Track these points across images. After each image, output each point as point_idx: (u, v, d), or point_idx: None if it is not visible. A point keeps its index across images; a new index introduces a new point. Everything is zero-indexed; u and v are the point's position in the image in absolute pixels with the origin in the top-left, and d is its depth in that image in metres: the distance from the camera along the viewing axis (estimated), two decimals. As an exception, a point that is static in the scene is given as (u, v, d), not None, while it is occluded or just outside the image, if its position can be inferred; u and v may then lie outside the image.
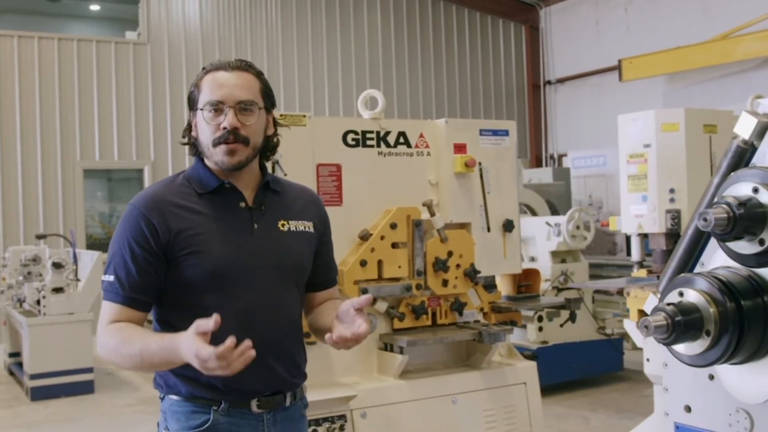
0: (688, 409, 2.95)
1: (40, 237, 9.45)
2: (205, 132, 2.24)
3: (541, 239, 7.61)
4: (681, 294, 2.62)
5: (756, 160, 2.66)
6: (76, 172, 11.34)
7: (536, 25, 15.12)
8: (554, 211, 9.08)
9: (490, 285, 4.20)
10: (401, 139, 3.98)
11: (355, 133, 3.88)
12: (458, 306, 3.97)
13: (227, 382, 2.12)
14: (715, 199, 2.50)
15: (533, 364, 4.14)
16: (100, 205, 12.50)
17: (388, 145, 3.95)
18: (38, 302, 8.04)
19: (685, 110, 4.66)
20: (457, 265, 3.94)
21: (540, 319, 7.25)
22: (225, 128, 2.19)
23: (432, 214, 3.89)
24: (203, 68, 2.32)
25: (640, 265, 5.06)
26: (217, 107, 2.21)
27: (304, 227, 2.38)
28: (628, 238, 6.09)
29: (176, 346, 2.01)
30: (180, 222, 2.21)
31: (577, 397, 7.32)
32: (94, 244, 11.29)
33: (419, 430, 3.79)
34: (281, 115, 3.69)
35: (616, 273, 9.09)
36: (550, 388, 7.36)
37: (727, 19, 11.57)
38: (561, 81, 14.84)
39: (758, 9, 11.11)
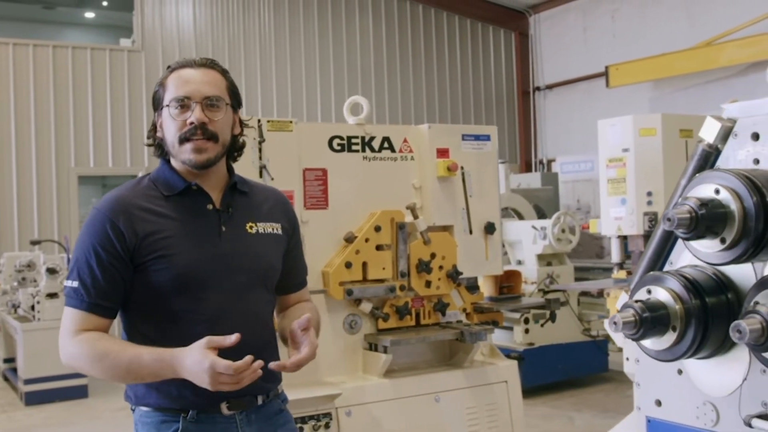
0: (658, 403, 3.08)
1: (34, 243, 9.56)
2: (171, 129, 2.18)
3: (527, 243, 7.74)
4: (649, 291, 2.76)
5: (720, 162, 2.80)
6: (71, 178, 11.42)
7: (526, 32, 15.26)
8: (542, 216, 9.21)
9: (472, 286, 4.32)
10: (386, 144, 4.11)
11: (341, 138, 4.00)
12: (441, 306, 4.10)
13: (196, 390, 2.05)
14: (680, 200, 2.65)
15: (514, 363, 4.27)
16: (95, 211, 12.57)
17: (372, 150, 4.08)
18: (33, 308, 8.14)
19: (662, 115, 4.80)
20: (440, 267, 4.06)
21: (526, 321, 7.38)
22: (192, 123, 2.14)
23: (415, 217, 4.01)
24: (168, 67, 2.29)
25: (620, 266, 5.19)
26: (184, 103, 2.16)
27: (273, 229, 2.33)
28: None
29: (175, 360, 1.99)
30: (146, 225, 2.14)
31: (563, 397, 7.45)
32: (87, 250, 11.36)
33: (403, 428, 3.90)
34: (269, 121, 3.82)
35: (602, 276, 9.21)
36: (536, 389, 7.50)
37: (712, 27, 11.73)
38: (550, 87, 14.98)
39: (741, 16, 11.26)
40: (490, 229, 4.27)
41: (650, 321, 2.68)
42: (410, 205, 4.01)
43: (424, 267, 4.01)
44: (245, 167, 3.73)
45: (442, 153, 4.16)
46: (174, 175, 2.23)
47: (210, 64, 2.26)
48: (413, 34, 14.31)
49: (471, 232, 4.23)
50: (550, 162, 14.70)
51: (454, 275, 4.08)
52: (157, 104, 2.26)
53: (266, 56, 12.83)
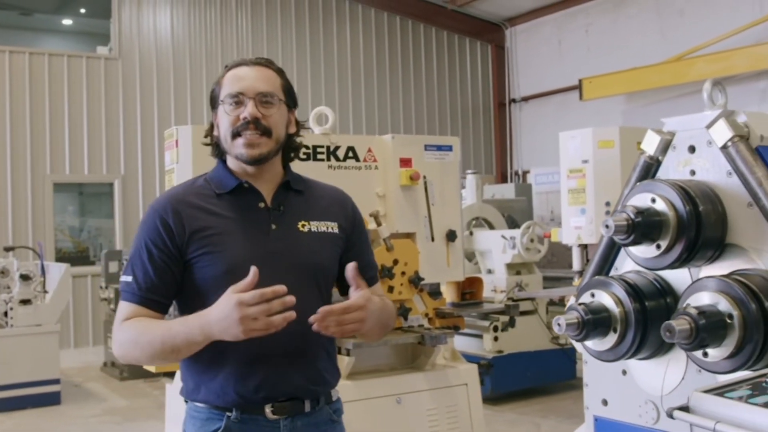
0: (605, 402, 3.22)
1: (8, 249, 9.55)
2: (225, 124, 2.20)
3: (497, 252, 7.87)
4: (593, 295, 2.90)
5: (660, 173, 2.95)
6: (46, 185, 11.45)
7: (502, 44, 15.45)
8: (515, 226, 9.34)
9: (435, 292, 4.44)
10: (350, 154, 4.23)
11: (307, 147, 4.09)
12: (403, 311, 4.21)
13: (239, 389, 2.12)
14: (619, 209, 2.79)
15: (474, 367, 4.38)
16: (71, 219, 12.57)
17: (337, 159, 4.19)
18: (6, 314, 8.14)
19: (620, 128, 4.94)
20: (402, 273, 4.18)
21: (495, 329, 7.49)
22: (245, 118, 2.16)
23: (379, 224, 4.12)
24: (225, 66, 2.31)
25: (580, 274, 5.32)
26: (238, 99, 2.18)
27: (327, 228, 2.30)
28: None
29: (201, 318, 1.99)
30: (196, 222, 2.17)
31: (531, 404, 7.57)
32: (63, 257, 11.36)
33: (366, 429, 3.99)
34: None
35: (570, 285, 9.36)
36: (504, 395, 7.62)
37: (683, 42, 11.95)
38: (525, 99, 15.17)
39: (711, 32, 11.50)
40: (451, 236, 4.40)
41: (592, 323, 2.82)
42: (374, 212, 4.12)
43: (386, 273, 4.11)
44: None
45: (405, 162, 4.28)
46: (227, 174, 2.26)
47: (265, 63, 2.28)
48: (391, 46, 14.47)
49: (433, 239, 4.35)
50: (525, 173, 14.87)
51: (416, 281, 4.19)
52: (213, 103, 2.28)
53: (244, 66, 12.93)
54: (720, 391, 1.97)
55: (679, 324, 2.41)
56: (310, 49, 13.60)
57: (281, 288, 1.91)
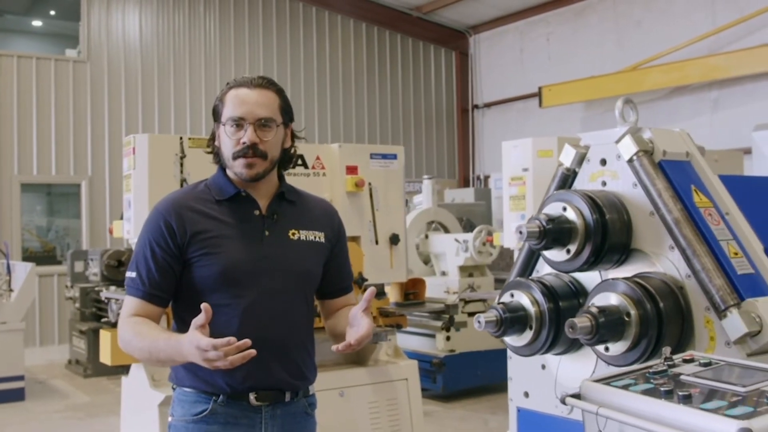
0: (526, 394, 3.54)
1: (-26, 248, 9.69)
2: (227, 145, 2.40)
3: (450, 255, 8.16)
4: (512, 295, 3.22)
5: (577, 183, 3.25)
6: (14, 185, 11.56)
7: (466, 51, 15.74)
8: (472, 229, 9.63)
9: (379, 292, 4.71)
10: (299, 162, 4.49)
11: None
12: (348, 310, 4.47)
13: (227, 379, 2.32)
14: (533, 216, 3.08)
15: (414, 363, 4.66)
16: (39, 219, 12.67)
17: (287, 166, 4.45)
18: (-29, 311, 8.31)
19: (558, 138, 5.24)
20: (347, 274, 4.44)
21: (448, 329, 7.76)
22: (245, 143, 2.36)
23: (325, 228, 4.39)
24: (227, 84, 2.48)
25: (521, 276, 5.60)
26: (239, 123, 2.37)
27: (315, 237, 2.51)
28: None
29: (180, 345, 2.17)
30: (196, 225, 2.37)
31: (481, 401, 7.85)
32: (30, 257, 11.44)
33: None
34: (190, 139, 4.18)
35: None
36: (456, 393, 7.90)
37: (638, 51, 12.30)
38: (488, 105, 15.47)
39: (665, 42, 11.88)
40: (394, 240, 4.67)
41: (510, 321, 3.14)
42: (320, 217, 4.38)
43: (332, 274, 4.37)
44: (167, 180, 4.09)
45: (351, 170, 4.56)
46: (227, 182, 2.46)
47: (266, 85, 2.45)
48: (356, 53, 14.69)
49: (377, 242, 4.62)
50: (486, 178, 15.18)
51: (359, 281, 4.45)
52: (216, 117, 2.47)
53: (211, 69, 13.09)
54: (607, 380, 2.26)
55: (581, 321, 2.72)
56: (277, 54, 13.79)
57: (238, 343, 2.07)
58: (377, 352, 4.48)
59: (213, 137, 2.51)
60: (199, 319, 2.12)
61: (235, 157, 2.39)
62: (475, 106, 15.71)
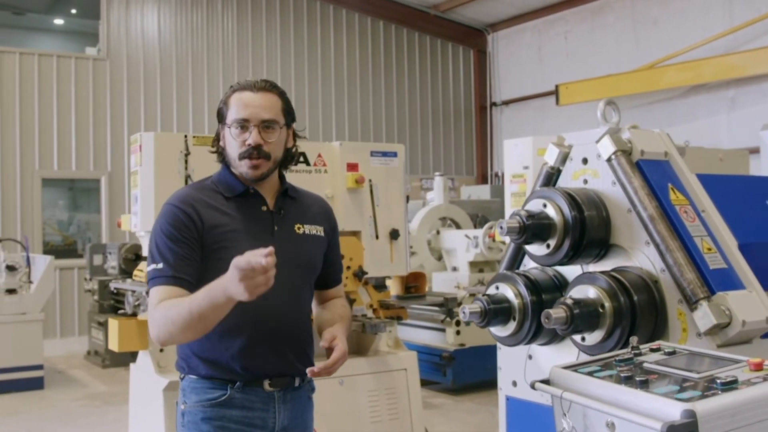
0: (514, 384, 3.64)
1: (-5, 241, 9.93)
2: (232, 146, 2.48)
3: (461, 251, 8.26)
4: (497, 288, 3.32)
5: (560, 181, 3.35)
6: (35, 180, 11.78)
7: (484, 49, 15.80)
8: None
9: (380, 285, 4.83)
10: (302, 159, 4.61)
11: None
12: (348, 302, 4.59)
13: (244, 365, 2.44)
14: (514, 212, 3.18)
15: (414, 354, 4.77)
16: (61, 213, 12.88)
17: (290, 163, 4.58)
18: (-9, 302, 8.53)
19: (558, 137, 5.32)
20: (348, 267, 4.56)
21: (458, 323, 7.87)
22: (250, 144, 2.44)
23: (326, 223, 4.51)
24: (231, 87, 2.59)
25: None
26: (243, 125, 2.45)
27: (316, 231, 2.64)
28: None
29: (220, 282, 2.19)
30: (212, 219, 2.45)
31: (490, 395, 7.91)
32: (51, 250, 11.66)
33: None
34: (194, 137, 4.32)
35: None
36: (465, 387, 8.00)
37: (655, 50, 12.30)
38: (506, 103, 15.52)
39: (681, 41, 11.87)
40: (394, 235, 4.79)
41: (494, 312, 3.25)
42: (322, 212, 4.50)
43: (333, 267, 4.50)
44: (172, 176, 4.23)
45: (352, 167, 4.68)
46: (235, 180, 2.54)
47: (268, 88, 2.54)
48: (374, 51, 14.78)
49: (377, 237, 4.74)
50: (504, 175, 15.19)
51: (359, 274, 4.58)
52: (220, 118, 2.56)
53: (229, 68, 13.25)
54: (575, 367, 2.37)
55: (556, 312, 2.82)
56: (294, 52, 13.90)
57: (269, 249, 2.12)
58: (377, 342, 4.59)
59: (217, 138, 2.59)
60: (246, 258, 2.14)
61: (241, 158, 2.47)
62: (493, 104, 15.76)
